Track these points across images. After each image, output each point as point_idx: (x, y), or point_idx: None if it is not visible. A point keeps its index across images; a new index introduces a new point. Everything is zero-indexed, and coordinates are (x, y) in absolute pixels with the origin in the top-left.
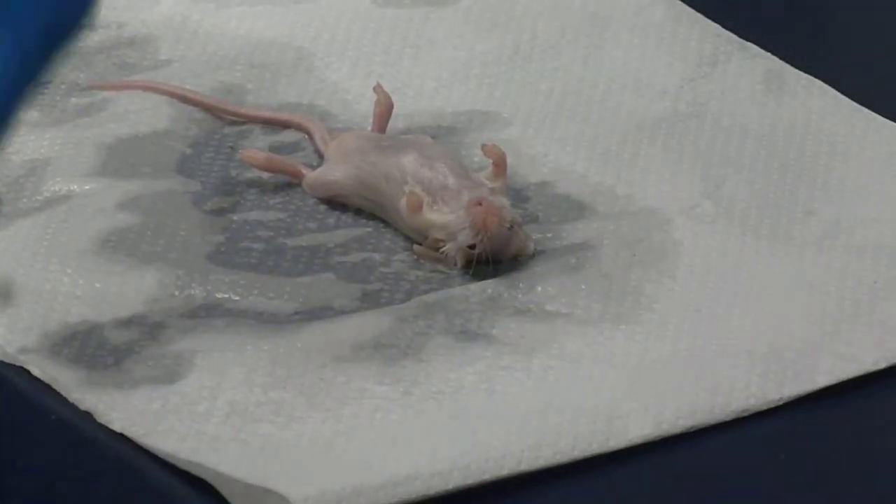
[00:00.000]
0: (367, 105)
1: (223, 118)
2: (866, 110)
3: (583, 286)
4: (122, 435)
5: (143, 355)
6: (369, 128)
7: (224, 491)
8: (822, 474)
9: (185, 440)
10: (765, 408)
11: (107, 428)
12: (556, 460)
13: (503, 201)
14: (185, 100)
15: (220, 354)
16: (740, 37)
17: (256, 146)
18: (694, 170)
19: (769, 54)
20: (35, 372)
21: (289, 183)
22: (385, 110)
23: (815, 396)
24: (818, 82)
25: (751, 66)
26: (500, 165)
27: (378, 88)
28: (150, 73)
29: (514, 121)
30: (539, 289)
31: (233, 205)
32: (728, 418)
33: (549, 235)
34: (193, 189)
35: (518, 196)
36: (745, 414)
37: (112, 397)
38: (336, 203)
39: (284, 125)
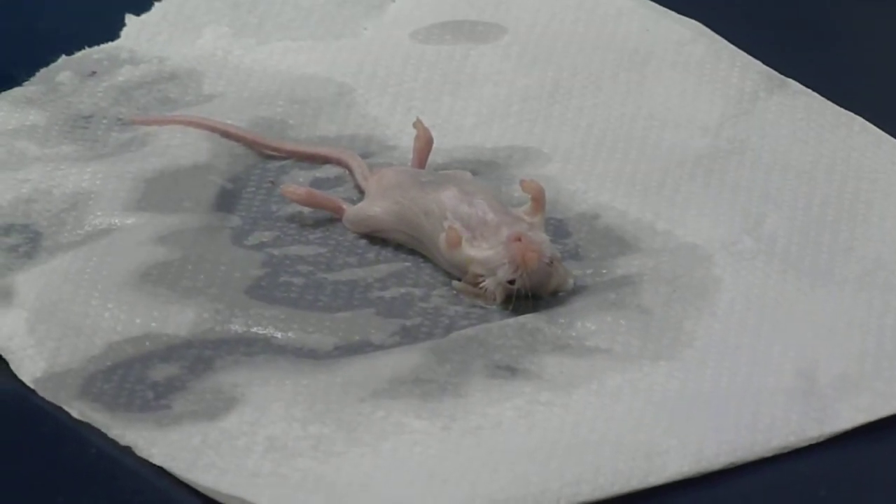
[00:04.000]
0: (407, 140)
1: (264, 153)
2: None
3: (622, 322)
4: (162, 469)
5: (183, 390)
6: (409, 163)
7: None
8: None
9: (225, 475)
10: (805, 445)
11: (147, 462)
12: (595, 496)
13: (542, 237)
14: (226, 135)
15: (259, 389)
16: (781, 73)
17: (297, 181)
18: (734, 206)
19: (810, 91)
20: (74, 414)
21: (329, 218)
22: (425, 145)
23: (854, 434)
24: (859, 119)
25: (792, 103)
26: (538, 201)
27: (418, 124)
28: (192, 108)
29: (554, 156)
30: (578, 324)
31: (273, 239)
32: (768, 455)
33: (589, 271)
34: (233, 224)
35: (557, 231)
36: (785, 451)
37: (152, 432)
38: (376, 238)
39: (325, 160)
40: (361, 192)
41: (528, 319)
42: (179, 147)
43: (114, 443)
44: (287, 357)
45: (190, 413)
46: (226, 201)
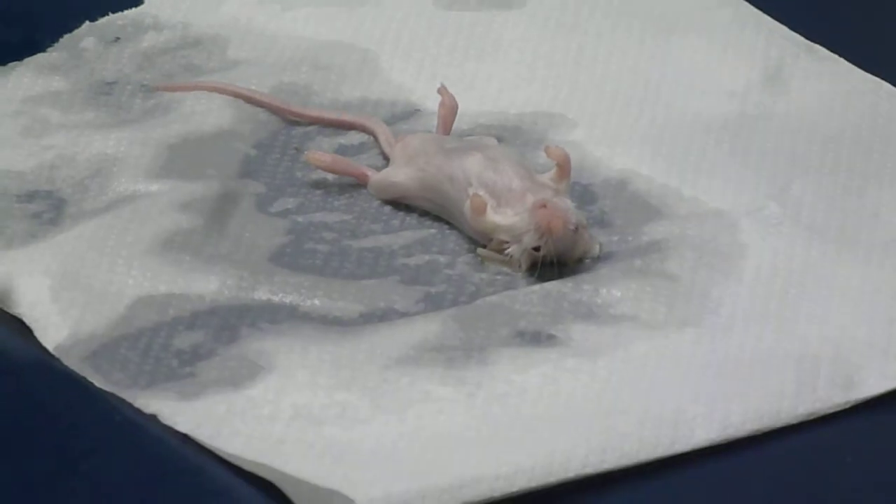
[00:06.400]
0: (431, 106)
1: (288, 119)
2: None
3: (648, 289)
4: (187, 436)
5: (208, 358)
6: (434, 129)
7: (289, 492)
8: (889, 478)
9: (251, 442)
10: (831, 411)
11: (172, 429)
12: (621, 463)
13: (568, 203)
14: (250, 101)
15: (284, 357)
16: (808, 39)
17: (322, 148)
18: (761, 172)
19: (837, 56)
20: (97, 383)
21: (354, 185)
22: (449, 112)
23: (880, 400)
24: (886, 85)
25: (818, 69)
26: (563, 167)
27: (442, 90)
28: (216, 75)
29: (580, 122)
30: (604, 291)
31: (297, 206)
32: (794, 422)
33: (615, 238)
34: (258, 190)
35: (583, 198)
36: (812, 418)
37: (177, 401)
38: (401, 205)
39: (349, 127)
40: (386, 159)
41: (553, 286)
42: (203, 113)
43: (138, 410)
44: (312, 324)
45: (215, 381)
46: (250, 168)
